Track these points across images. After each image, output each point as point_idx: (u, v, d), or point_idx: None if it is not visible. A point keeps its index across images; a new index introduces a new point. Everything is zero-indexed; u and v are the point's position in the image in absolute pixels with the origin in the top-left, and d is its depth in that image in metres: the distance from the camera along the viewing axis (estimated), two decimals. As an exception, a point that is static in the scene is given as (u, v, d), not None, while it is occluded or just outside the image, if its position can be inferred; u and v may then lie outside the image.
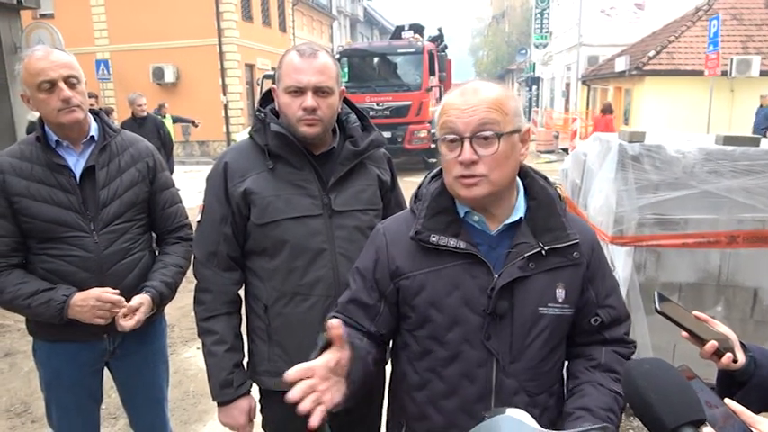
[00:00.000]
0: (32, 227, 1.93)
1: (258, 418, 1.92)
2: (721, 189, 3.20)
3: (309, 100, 1.68)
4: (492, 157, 1.25)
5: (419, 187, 1.45)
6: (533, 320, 1.32)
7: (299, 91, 1.68)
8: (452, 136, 1.26)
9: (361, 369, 1.25)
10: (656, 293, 1.27)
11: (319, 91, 1.69)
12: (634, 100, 17.24)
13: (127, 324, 1.93)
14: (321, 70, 1.69)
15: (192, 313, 1.88)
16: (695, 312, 1.31)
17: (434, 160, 15.29)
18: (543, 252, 1.31)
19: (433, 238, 1.31)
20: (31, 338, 2.14)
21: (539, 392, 1.35)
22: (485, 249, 1.32)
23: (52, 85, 1.87)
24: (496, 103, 1.25)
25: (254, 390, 1.90)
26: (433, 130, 14.82)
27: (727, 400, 0.99)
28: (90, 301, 1.90)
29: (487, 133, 1.24)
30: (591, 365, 1.39)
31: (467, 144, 1.24)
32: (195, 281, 1.86)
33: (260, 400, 1.94)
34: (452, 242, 1.30)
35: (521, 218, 1.34)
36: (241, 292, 1.89)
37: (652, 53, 16.47)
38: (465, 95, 1.27)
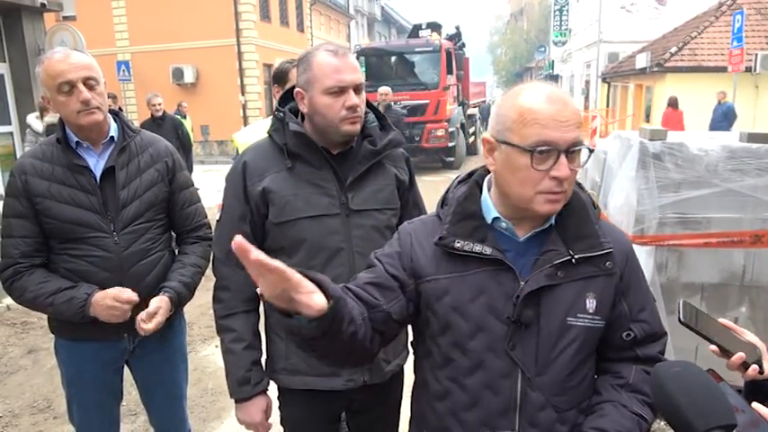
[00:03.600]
0: (54, 227, 1.96)
1: (276, 415, 1.93)
2: (745, 187, 3.13)
3: (354, 98, 1.68)
4: (575, 172, 1.20)
5: (446, 192, 1.41)
6: (561, 331, 1.26)
7: (341, 90, 1.68)
8: (547, 147, 1.17)
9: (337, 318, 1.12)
10: (680, 302, 1.22)
11: (358, 88, 1.70)
12: (655, 97, 17.02)
13: (147, 327, 1.96)
14: (356, 68, 1.72)
15: (211, 311, 1.89)
16: (722, 320, 1.27)
17: (452, 159, 15.24)
18: (573, 260, 1.25)
19: (458, 244, 1.27)
20: (53, 336, 2.17)
21: (567, 408, 1.28)
22: (512, 256, 1.27)
23: (71, 86, 1.88)
24: (581, 116, 1.21)
25: (273, 387, 1.91)
26: (451, 129, 14.76)
27: (755, 404, 0.97)
28: (107, 300, 1.93)
29: (579, 148, 1.18)
30: (618, 384, 1.32)
31: (563, 158, 1.17)
32: (214, 279, 1.88)
33: (278, 398, 1.95)
34: (478, 247, 1.26)
35: (551, 225, 1.29)
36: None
37: (674, 49, 16.24)
38: (556, 104, 1.18)
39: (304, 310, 1.06)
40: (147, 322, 1.96)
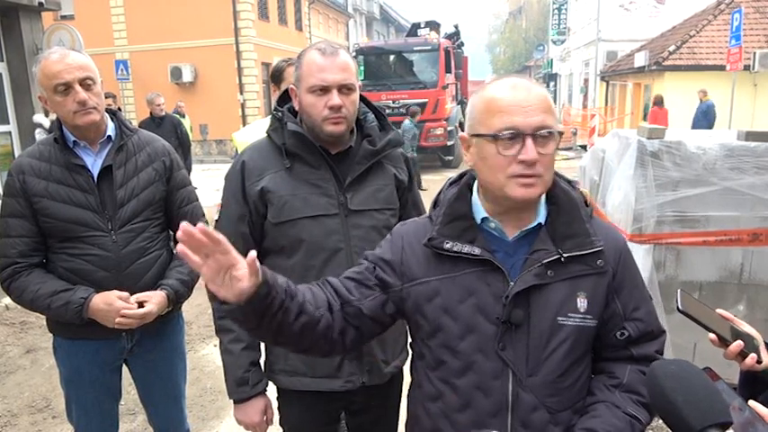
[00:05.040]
0: (52, 227, 1.96)
1: (275, 416, 1.93)
2: (743, 186, 3.14)
3: (336, 98, 1.67)
4: (549, 157, 1.20)
5: (438, 193, 1.41)
6: (552, 331, 1.25)
7: (324, 90, 1.68)
8: (511, 132, 1.18)
9: (283, 302, 1.20)
10: (678, 292, 1.23)
11: (344, 88, 1.69)
12: (654, 96, 17.03)
13: (125, 323, 1.95)
14: (344, 67, 1.69)
15: (210, 311, 1.89)
16: (719, 311, 1.26)
17: (451, 158, 15.24)
18: (562, 259, 1.24)
19: (447, 245, 1.27)
20: (52, 335, 2.17)
21: (561, 409, 1.27)
22: (501, 256, 1.27)
23: (68, 87, 1.88)
24: (548, 102, 1.23)
25: (272, 388, 1.91)
26: (450, 128, 14.77)
27: (751, 402, 0.97)
28: (112, 314, 1.92)
29: (547, 131, 1.19)
30: (611, 384, 1.31)
31: (529, 141, 1.18)
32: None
33: (277, 399, 1.94)
34: (467, 248, 1.26)
35: (540, 224, 1.29)
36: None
37: (672, 48, 16.25)
38: (518, 90, 1.21)
39: (235, 283, 1.11)
40: (133, 321, 1.96)
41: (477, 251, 1.26)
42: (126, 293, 1.96)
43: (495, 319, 1.25)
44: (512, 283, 1.25)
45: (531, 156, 1.18)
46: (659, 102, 14.15)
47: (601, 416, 1.26)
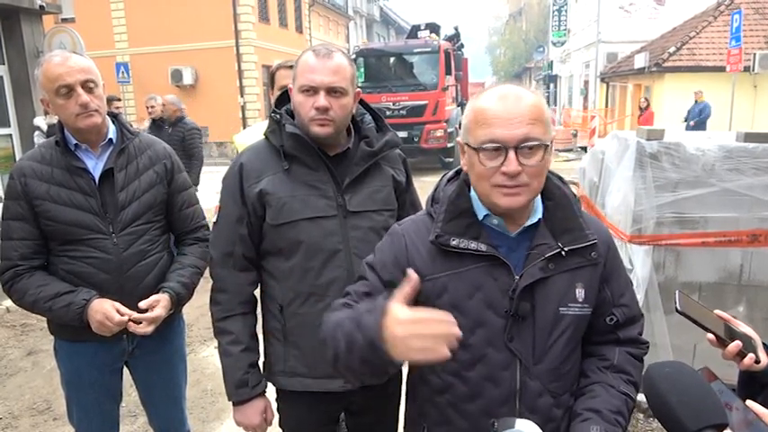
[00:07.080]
0: (53, 229, 1.97)
1: (274, 418, 1.94)
2: (742, 187, 3.14)
3: (322, 99, 1.68)
4: (536, 167, 1.23)
5: (435, 189, 1.43)
6: (554, 321, 1.31)
7: (312, 90, 1.69)
8: (495, 145, 1.21)
9: None
10: (676, 293, 1.25)
11: (332, 91, 1.69)
12: (654, 97, 17.03)
13: (140, 329, 1.96)
14: (335, 71, 1.69)
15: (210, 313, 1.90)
16: (717, 311, 1.28)
17: (451, 160, 15.23)
18: (563, 253, 1.30)
19: (454, 242, 1.30)
20: (53, 337, 2.18)
21: (562, 393, 1.35)
22: (504, 251, 1.31)
23: (70, 89, 1.89)
24: (538, 112, 1.22)
25: (271, 389, 1.91)
26: (450, 129, 14.78)
27: (749, 402, 0.97)
28: (98, 316, 1.92)
29: (533, 143, 1.21)
30: (603, 365, 1.39)
31: (512, 154, 1.20)
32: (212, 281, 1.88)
33: (276, 400, 1.95)
34: (473, 245, 1.29)
35: (539, 219, 1.34)
36: (257, 293, 1.90)
37: (672, 49, 16.26)
38: (506, 102, 1.22)
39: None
40: (143, 326, 1.97)
41: (483, 248, 1.29)
42: (122, 309, 1.95)
43: (503, 313, 1.29)
44: (517, 277, 1.29)
45: (512, 168, 1.21)
46: (649, 104, 15.26)
47: (599, 396, 1.33)
